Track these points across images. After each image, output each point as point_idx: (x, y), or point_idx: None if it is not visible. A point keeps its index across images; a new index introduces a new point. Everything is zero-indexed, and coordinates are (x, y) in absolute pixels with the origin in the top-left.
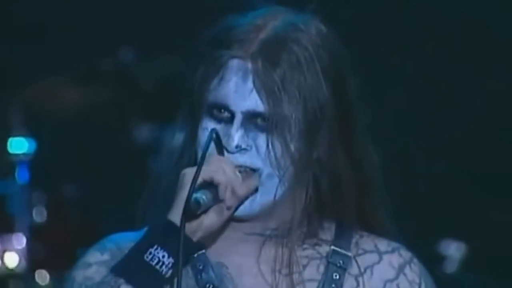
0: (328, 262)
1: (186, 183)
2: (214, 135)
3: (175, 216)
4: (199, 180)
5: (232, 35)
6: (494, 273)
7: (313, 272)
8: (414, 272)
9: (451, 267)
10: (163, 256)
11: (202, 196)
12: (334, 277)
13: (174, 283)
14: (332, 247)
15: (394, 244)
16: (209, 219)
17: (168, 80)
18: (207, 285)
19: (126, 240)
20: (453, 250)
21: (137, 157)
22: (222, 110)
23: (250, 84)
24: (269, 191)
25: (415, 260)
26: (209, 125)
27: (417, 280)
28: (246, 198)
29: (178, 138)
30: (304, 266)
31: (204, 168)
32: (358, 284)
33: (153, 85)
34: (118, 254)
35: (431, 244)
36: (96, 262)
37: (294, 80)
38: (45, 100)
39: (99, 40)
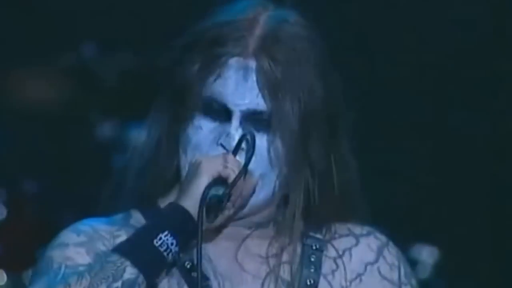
0: (304, 245)
1: (202, 173)
2: (249, 138)
3: (189, 204)
4: (215, 174)
5: (226, 31)
6: (466, 278)
7: (290, 254)
8: (392, 255)
9: (423, 272)
10: (172, 244)
11: (221, 193)
12: (311, 259)
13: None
14: (305, 230)
15: (368, 228)
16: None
17: (130, 75)
18: (186, 263)
19: (99, 223)
20: (426, 255)
21: (99, 154)
22: (217, 108)
23: (251, 82)
24: (262, 191)
25: (391, 243)
26: (202, 123)
27: (396, 263)
28: (247, 200)
29: (152, 131)
30: (282, 249)
31: (219, 163)
32: (337, 266)
33: (115, 81)
34: (95, 235)
35: (403, 249)
36: (73, 243)
37: (293, 77)
38: (5, 95)
39: (59, 35)
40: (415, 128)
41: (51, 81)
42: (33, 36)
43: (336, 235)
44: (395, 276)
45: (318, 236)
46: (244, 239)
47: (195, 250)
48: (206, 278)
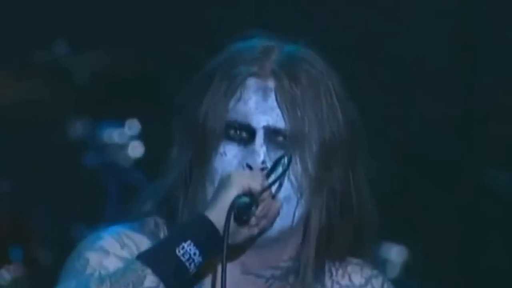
0: None
1: (232, 185)
2: (286, 159)
3: (214, 215)
4: (245, 186)
5: (242, 56)
6: (435, 279)
7: None
8: None
9: (393, 271)
10: (195, 254)
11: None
12: None
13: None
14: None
15: (366, 273)
16: (242, 230)
17: (103, 74)
18: None
19: (143, 244)
20: (395, 254)
21: (71, 153)
22: (239, 131)
23: (271, 101)
24: (287, 215)
25: (385, 286)
26: (227, 149)
27: None
28: (272, 223)
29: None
30: None
31: (247, 178)
32: None
33: (87, 79)
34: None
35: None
36: (115, 254)
37: (312, 100)
38: None
39: (31, 33)
40: (383, 128)
41: (23, 79)
42: (4, 34)
43: (337, 286)
44: None
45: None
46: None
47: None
48: None
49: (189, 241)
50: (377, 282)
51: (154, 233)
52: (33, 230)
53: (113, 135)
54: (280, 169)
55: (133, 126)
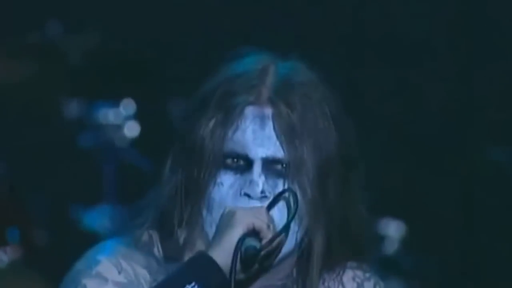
0: None
1: (236, 224)
2: (291, 196)
3: (219, 255)
4: (250, 225)
5: (238, 83)
6: (433, 254)
7: None
8: None
9: (390, 246)
10: None
11: (257, 244)
12: None
13: None
14: None
15: (359, 277)
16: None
17: (98, 54)
18: None
19: (139, 265)
20: (393, 230)
21: (67, 134)
22: (236, 160)
23: (268, 130)
24: (288, 242)
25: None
26: (223, 178)
27: None
28: (275, 258)
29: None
30: None
31: (253, 215)
32: None
33: (82, 60)
34: (134, 280)
35: None
36: (112, 281)
37: (309, 124)
38: None
39: (25, 14)
40: (382, 113)
41: (17, 60)
42: None
43: None
44: None
45: None
46: None
47: None
48: None
49: (193, 283)
50: (369, 286)
51: (148, 249)
52: (30, 212)
53: (109, 115)
54: (290, 209)
55: (128, 106)
